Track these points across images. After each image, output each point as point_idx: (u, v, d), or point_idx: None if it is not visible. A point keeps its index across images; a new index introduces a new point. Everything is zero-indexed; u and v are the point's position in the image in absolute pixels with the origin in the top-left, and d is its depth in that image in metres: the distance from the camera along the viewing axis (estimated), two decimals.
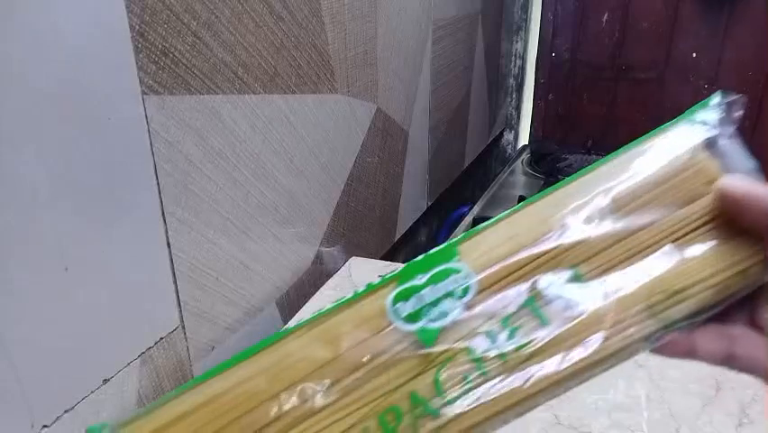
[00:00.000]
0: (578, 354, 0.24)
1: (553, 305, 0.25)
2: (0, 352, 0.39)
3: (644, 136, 0.28)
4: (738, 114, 0.27)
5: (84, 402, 0.45)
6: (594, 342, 0.24)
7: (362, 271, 0.80)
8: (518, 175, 1.57)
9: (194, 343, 0.57)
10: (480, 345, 0.25)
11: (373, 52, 0.87)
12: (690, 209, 0.26)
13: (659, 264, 0.25)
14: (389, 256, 1.06)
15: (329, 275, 0.79)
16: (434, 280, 0.26)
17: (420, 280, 0.26)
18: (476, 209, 1.34)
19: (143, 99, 0.47)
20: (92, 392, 0.46)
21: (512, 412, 0.24)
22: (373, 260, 0.86)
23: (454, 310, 0.25)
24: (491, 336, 0.25)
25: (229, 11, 0.55)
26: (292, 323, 0.26)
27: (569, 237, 0.26)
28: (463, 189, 1.51)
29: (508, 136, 1.83)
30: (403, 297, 0.25)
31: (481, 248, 0.26)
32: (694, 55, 1.45)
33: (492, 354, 0.24)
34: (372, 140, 0.91)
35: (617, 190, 0.26)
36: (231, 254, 0.61)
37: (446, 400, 0.24)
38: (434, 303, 0.25)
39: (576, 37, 1.56)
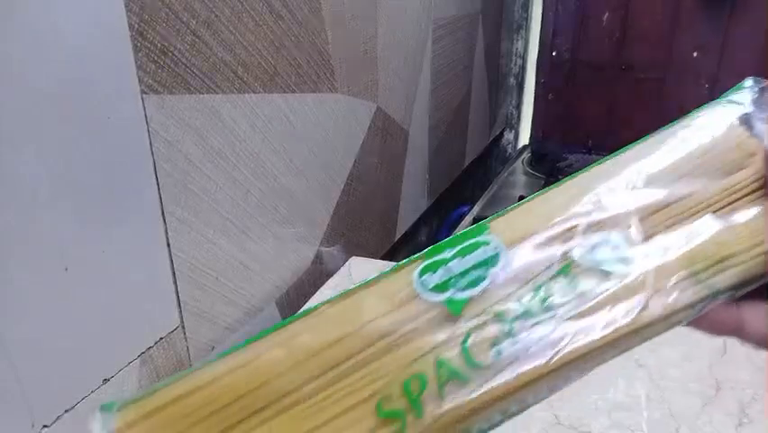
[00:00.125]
0: (616, 322, 0.23)
1: (588, 272, 0.24)
2: (0, 352, 0.39)
3: (673, 121, 0.27)
4: None
5: (84, 402, 0.45)
6: (634, 309, 0.23)
7: (362, 270, 0.79)
8: (519, 175, 1.56)
9: (194, 343, 0.57)
10: (511, 311, 0.23)
11: (373, 52, 0.87)
12: (731, 180, 0.25)
13: (701, 233, 0.24)
14: (389, 256, 1.06)
15: (329, 275, 0.79)
16: (463, 253, 0.24)
17: (448, 253, 0.25)
18: (476, 209, 1.34)
19: (143, 99, 0.47)
20: (92, 392, 0.46)
21: (544, 384, 0.23)
22: (373, 259, 0.86)
23: (484, 280, 0.24)
24: (523, 303, 0.23)
25: (229, 10, 0.55)
26: None
27: (604, 208, 0.25)
28: (463, 189, 1.51)
29: (509, 136, 1.83)
30: (430, 269, 0.24)
31: (513, 222, 0.25)
32: (695, 55, 1.44)
33: (524, 320, 0.23)
34: (372, 140, 0.91)
35: (653, 164, 0.26)
36: (231, 254, 0.61)
37: (475, 364, 0.23)
38: (463, 274, 0.24)
39: (577, 36, 1.56)
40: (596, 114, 1.60)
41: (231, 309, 0.62)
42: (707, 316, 0.24)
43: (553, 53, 1.60)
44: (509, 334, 0.23)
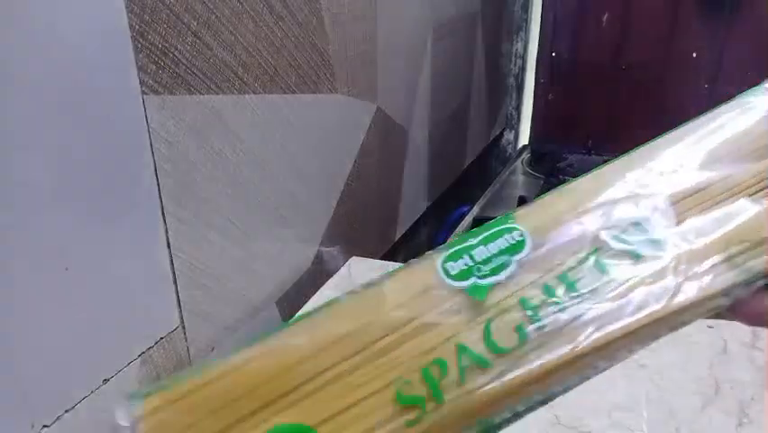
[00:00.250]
0: (646, 307, 0.22)
1: (619, 256, 0.23)
2: (0, 352, 0.39)
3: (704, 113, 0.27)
4: None
5: (84, 402, 0.45)
6: (666, 294, 0.22)
7: (362, 271, 0.79)
8: (519, 175, 1.56)
9: (194, 343, 0.57)
10: (536, 297, 0.23)
11: (373, 52, 0.87)
12: (766, 163, 0.25)
13: (737, 216, 0.24)
14: (389, 256, 1.06)
15: (329, 275, 0.79)
16: (486, 241, 0.24)
17: (472, 241, 0.24)
18: (476, 209, 1.34)
19: (143, 99, 0.47)
20: (92, 392, 0.46)
21: (570, 371, 0.22)
22: (373, 260, 0.86)
23: (509, 266, 0.23)
24: (548, 289, 0.23)
25: (229, 10, 0.55)
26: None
27: (636, 193, 0.24)
28: (463, 190, 1.51)
29: (508, 136, 1.83)
30: (453, 258, 0.24)
31: (538, 212, 0.25)
32: (694, 55, 1.44)
33: (550, 306, 0.22)
34: (372, 140, 0.91)
35: (685, 151, 0.25)
36: (231, 254, 0.61)
37: (498, 349, 0.22)
38: (486, 261, 0.23)
39: (576, 37, 1.56)
40: (596, 114, 1.60)
41: (231, 309, 0.62)
42: (740, 304, 0.23)
43: (553, 54, 1.60)
44: (534, 319, 0.22)
